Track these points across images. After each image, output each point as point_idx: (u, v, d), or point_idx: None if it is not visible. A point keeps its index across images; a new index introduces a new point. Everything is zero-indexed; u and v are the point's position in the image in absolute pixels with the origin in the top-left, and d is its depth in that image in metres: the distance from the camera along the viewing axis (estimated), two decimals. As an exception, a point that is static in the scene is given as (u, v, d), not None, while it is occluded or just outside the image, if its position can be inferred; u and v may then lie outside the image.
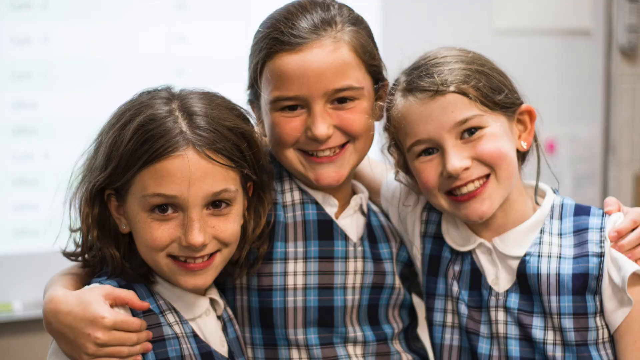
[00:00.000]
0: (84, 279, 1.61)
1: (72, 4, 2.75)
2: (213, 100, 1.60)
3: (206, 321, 1.62)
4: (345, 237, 1.75)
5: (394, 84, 1.70)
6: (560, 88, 3.46)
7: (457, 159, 1.61)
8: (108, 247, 1.58)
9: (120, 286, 1.55)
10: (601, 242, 1.62)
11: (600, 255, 1.61)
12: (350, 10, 1.73)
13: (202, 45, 2.91)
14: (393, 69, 1.72)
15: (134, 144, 1.51)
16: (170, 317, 1.57)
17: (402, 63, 1.71)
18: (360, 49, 1.68)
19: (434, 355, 1.77)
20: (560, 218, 1.68)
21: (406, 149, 1.68)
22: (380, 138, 1.75)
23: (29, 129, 2.74)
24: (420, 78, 1.64)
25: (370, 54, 1.71)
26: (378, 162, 1.86)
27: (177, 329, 1.56)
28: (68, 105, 2.76)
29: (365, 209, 1.81)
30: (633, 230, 1.62)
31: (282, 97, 1.67)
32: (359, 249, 1.76)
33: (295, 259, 1.71)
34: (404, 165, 1.73)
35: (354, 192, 1.82)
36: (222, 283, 1.71)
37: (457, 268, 1.72)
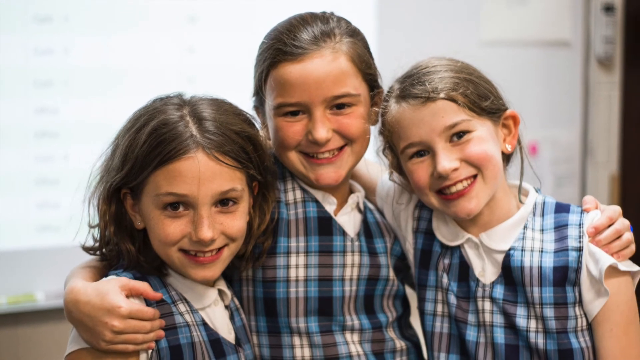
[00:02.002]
0: (101, 271, 1.61)
1: (91, 17, 2.75)
2: (221, 106, 1.60)
3: (215, 310, 1.62)
4: (344, 233, 1.75)
5: (388, 91, 1.70)
6: (542, 95, 3.46)
7: (447, 160, 1.61)
8: (124, 242, 1.58)
9: (136, 278, 1.55)
10: (580, 237, 1.62)
11: (579, 250, 1.61)
12: (347, 22, 1.73)
13: (211, 55, 2.91)
14: (387, 77, 1.72)
15: (148, 146, 1.51)
16: (182, 307, 1.57)
17: (396, 72, 1.70)
18: (357, 59, 1.68)
19: (425, 342, 1.77)
20: (542, 215, 1.68)
21: (400, 151, 1.67)
22: (375, 141, 1.75)
23: (50, 133, 2.74)
24: (413, 86, 1.63)
25: (367, 63, 1.71)
26: (374, 164, 1.86)
27: (188, 317, 1.56)
28: (87, 111, 2.76)
29: (361, 206, 1.81)
30: (609, 226, 1.62)
31: (284, 104, 1.67)
32: (356, 243, 1.76)
33: (297, 253, 1.71)
34: (397, 166, 1.73)
35: (351, 191, 1.82)
36: (230, 275, 1.71)
37: (446, 261, 1.72)
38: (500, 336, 1.66)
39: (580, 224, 1.64)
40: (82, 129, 2.75)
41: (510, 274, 1.65)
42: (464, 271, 1.70)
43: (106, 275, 1.56)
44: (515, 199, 1.71)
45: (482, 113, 1.64)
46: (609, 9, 3.49)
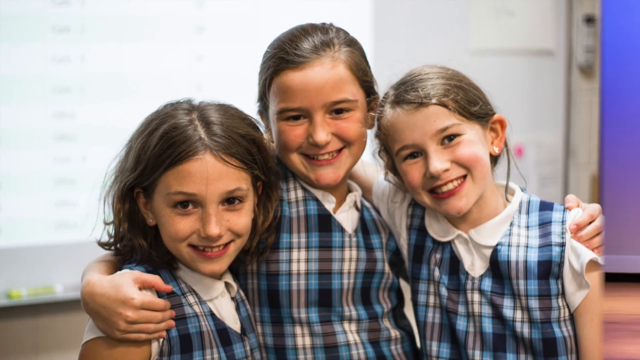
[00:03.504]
0: (116, 265, 1.61)
1: (106, 28, 2.75)
2: (228, 111, 1.60)
3: (222, 302, 1.62)
4: (342, 229, 1.75)
5: (383, 97, 1.70)
6: (527, 100, 3.46)
7: (439, 162, 1.61)
8: (137, 238, 1.58)
9: (148, 272, 1.54)
10: (563, 233, 1.62)
11: (562, 245, 1.61)
12: (346, 33, 1.73)
13: (218, 63, 2.91)
14: (383, 84, 1.72)
15: (159, 148, 1.52)
16: (191, 298, 1.57)
17: (390, 79, 1.70)
18: (355, 67, 1.68)
19: (418, 332, 1.77)
20: (528, 213, 1.68)
21: (394, 153, 1.67)
22: (371, 144, 1.75)
23: (68, 136, 2.74)
24: (407, 92, 1.63)
25: (364, 71, 1.71)
26: (370, 165, 1.86)
27: (197, 308, 1.56)
28: (102, 116, 2.76)
29: (359, 205, 1.80)
30: (590, 223, 1.62)
31: (287, 109, 1.67)
32: (354, 239, 1.76)
33: (299, 248, 1.71)
34: (392, 167, 1.73)
35: (349, 190, 1.82)
36: (236, 269, 1.71)
37: (438, 256, 1.72)
38: (488, 326, 1.66)
39: (563, 221, 1.64)
40: (98, 132, 2.75)
41: (498, 267, 1.65)
42: (455, 265, 1.70)
43: (120, 269, 1.56)
44: (502, 198, 1.72)
45: (472, 117, 1.64)
46: (589, 20, 3.49)
